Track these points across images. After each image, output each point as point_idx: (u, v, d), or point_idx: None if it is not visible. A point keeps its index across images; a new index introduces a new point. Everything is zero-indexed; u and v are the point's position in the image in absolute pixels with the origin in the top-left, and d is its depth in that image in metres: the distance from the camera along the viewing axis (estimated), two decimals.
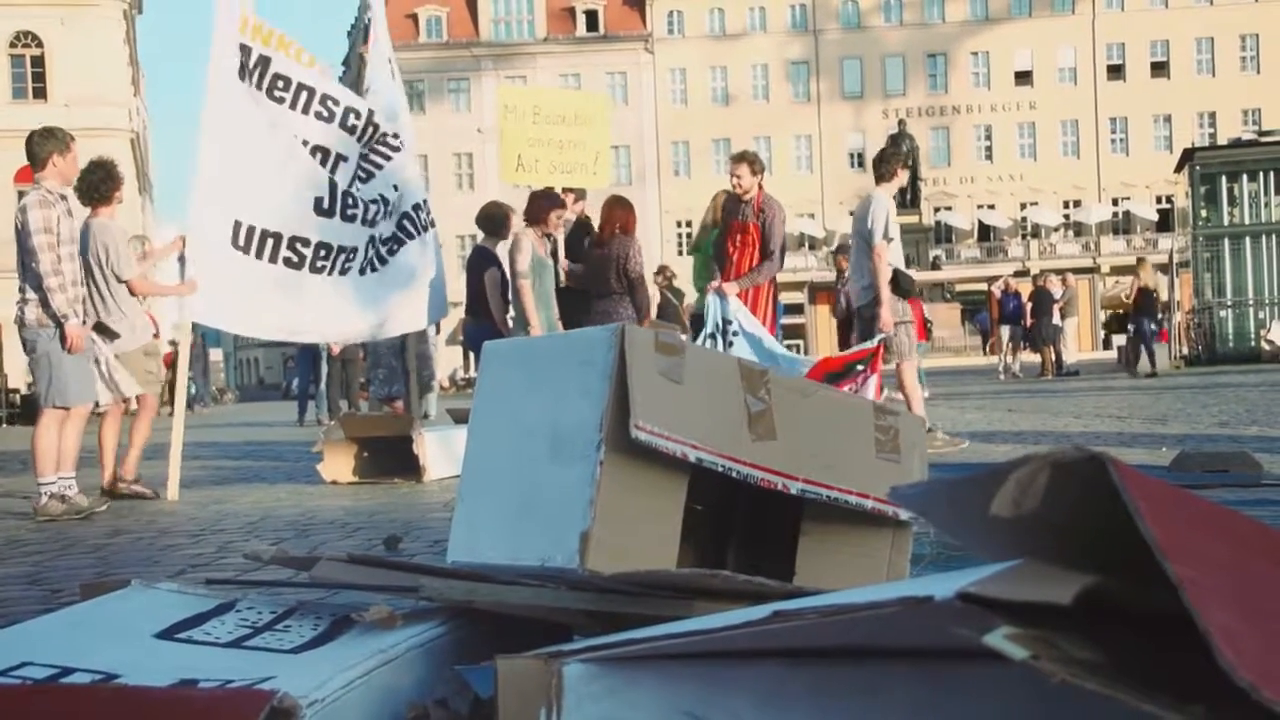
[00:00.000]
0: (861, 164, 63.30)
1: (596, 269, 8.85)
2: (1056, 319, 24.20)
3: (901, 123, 51.23)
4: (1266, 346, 25.08)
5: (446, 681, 1.67)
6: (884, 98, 64.23)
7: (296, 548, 4.59)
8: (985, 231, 63.66)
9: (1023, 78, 64.46)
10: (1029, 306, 24.34)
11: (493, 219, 9.26)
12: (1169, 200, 61.05)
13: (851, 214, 9.47)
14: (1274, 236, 26.33)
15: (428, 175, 63.62)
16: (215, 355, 78.86)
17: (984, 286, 48.08)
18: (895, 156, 9.30)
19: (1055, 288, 24.57)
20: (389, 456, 7.79)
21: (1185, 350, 26.52)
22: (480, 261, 9.20)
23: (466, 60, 63.89)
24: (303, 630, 1.89)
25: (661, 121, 63.98)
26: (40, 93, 42.16)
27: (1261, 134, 32.29)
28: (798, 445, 2.01)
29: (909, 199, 48.03)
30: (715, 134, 63.76)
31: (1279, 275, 26.19)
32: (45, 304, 6.67)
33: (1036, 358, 24.53)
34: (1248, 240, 26.43)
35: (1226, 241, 26.64)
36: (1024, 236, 62.96)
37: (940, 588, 0.97)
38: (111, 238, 7.74)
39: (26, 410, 29.42)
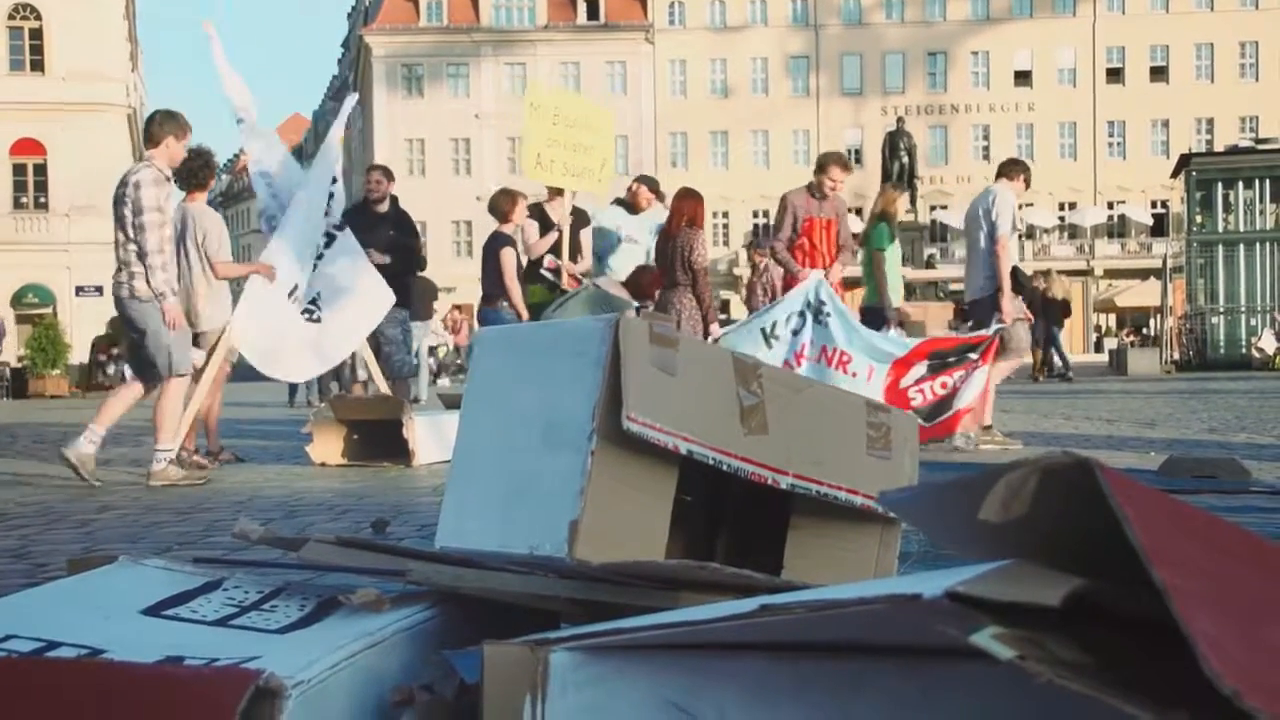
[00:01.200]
0: (859, 160, 63.35)
1: (664, 260, 9.17)
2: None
3: (900, 120, 51.19)
4: (1256, 354, 25.16)
5: (432, 666, 1.67)
6: (883, 94, 64.23)
7: (284, 529, 4.59)
8: None
9: (1022, 78, 64.50)
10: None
11: (498, 206, 9.48)
12: (1164, 205, 61.15)
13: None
14: (1268, 244, 26.39)
15: (424, 160, 63.63)
16: None
17: None
18: (1021, 164, 9.70)
19: (1057, 290, 24.36)
20: (378, 440, 7.78)
21: (1176, 355, 26.59)
22: (495, 246, 9.41)
23: (466, 45, 63.79)
24: (289, 611, 1.89)
25: (660, 112, 63.93)
26: (38, 65, 42.04)
27: (1259, 141, 32.34)
28: (789, 440, 2.02)
29: (905, 197, 48.07)
30: (714, 126, 63.75)
31: (1272, 283, 26.23)
32: (145, 279, 6.96)
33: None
34: (1241, 247, 26.48)
35: (1220, 248, 26.69)
36: (1019, 237, 62.98)
37: (928, 586, 0.97)
38: (211, 223, 8.27)
39: (17, 385, 29.42)
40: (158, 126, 7.19)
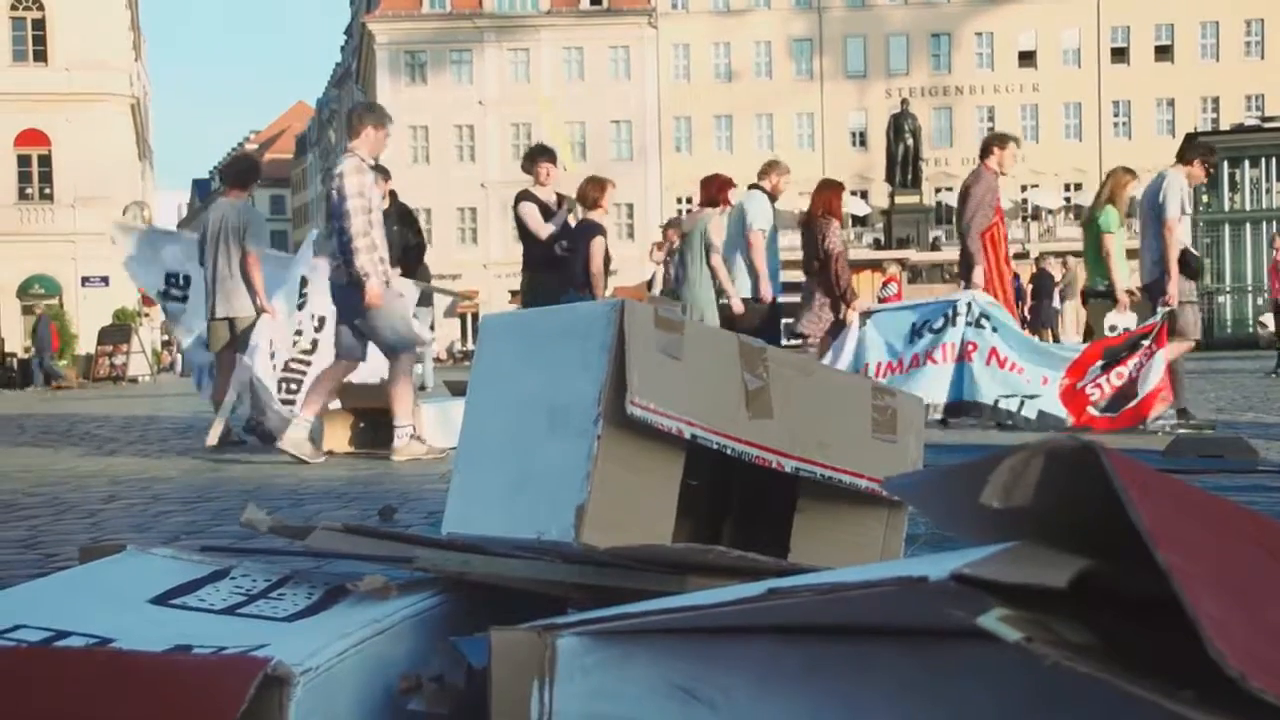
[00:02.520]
0: (863, 143, 63.30)
1: (804, 247, 9.61)
2: (1056, 302, 24.20)
3: (904, 102, 51.09)
4: (1261, 332, 25.13)
5: (440, 652, 1.67)
6: (887, 77, 64.08)
7: (291, 517, 4.60)
8: None
9: (1026, 59, 64.31)
10: (1029, 289, 24.34)
11: (587, 194, 9.68)
12: None
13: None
14: (1275, 223, 26.32)
15: (428, 147, 63.59)
16: None
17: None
18: (1201, 147, 9.74)
19: (1055, 270, 24.57)
20: (386, 428, 7.78)
21: None
22: (590, 234, 9.54)
23: (469, 31, 63.70)
24: (297, 599, 1.89)
25: (664, 97, 63.84)
26: (41, 56, 42.02)
27: (1265, 120, 32.24)
28: (794, 424, 2.01)
29: (909, 179, 47.97)
30: (717, 110, 63.64)
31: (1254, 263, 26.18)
32: (349, 263, 7.21)
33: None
34: (1248, 226, 26.43)
35: (1227, 227, 26.64)
36: (1024, 218, 62.87)
37: (935, 568, 0.97)
38: (251, 217, 8.82)
39: (23, 376, 29.46)
40: (358, 119, 7.51)
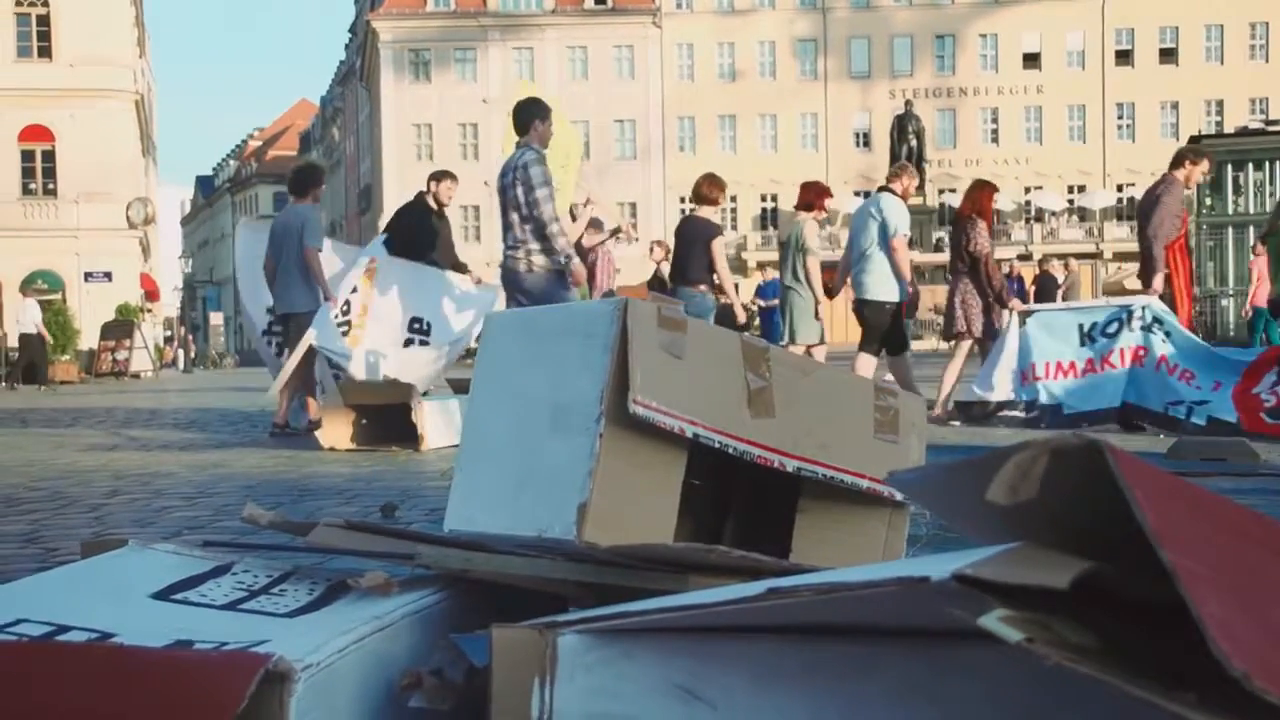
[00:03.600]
0: (867, 144, 63.23)
1: (950, 247, 9.84)
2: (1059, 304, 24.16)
3: (908, 103, 51.07)
4: None
5: (441, 649, 1.67)
6: (891, 78, 64.03)
7: (293, 513, 4.60)
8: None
9: (1031, 61, 64.26)
10: (1032, 291, 24.31)
11: (705, 193, 9.94)
12: None
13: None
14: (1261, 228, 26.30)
15: (431, 145, 63.56)
16: (216, 319, 78.99)
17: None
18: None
19: (1058, 273, 24.55)
20: (387, 424, 7.79)
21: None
22: (707, 234, 9.75)
23: (474, 30, 63.67)
24: (298, 595, 1.89)
25: (668, 96, 63.80)
26: (45, 52, 41.97)
27: (1269, 123, 32.22)
28: (796, 423, 2.01)
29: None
30: (721, 110, 63.62)
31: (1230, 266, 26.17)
32: (547, 250, 7.60)
33: None
34: (1251, 230, 26.37)
35: (1230, 230, 26.62)
36: (1028, 220, 62.83)
37: (936, 569, 0.97)
38: (309, 215, 9.31)
39: (26, 370, 29.44)
40: (525, 115, 7.89)
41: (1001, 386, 8.98)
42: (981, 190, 9.88)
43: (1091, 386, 8.70)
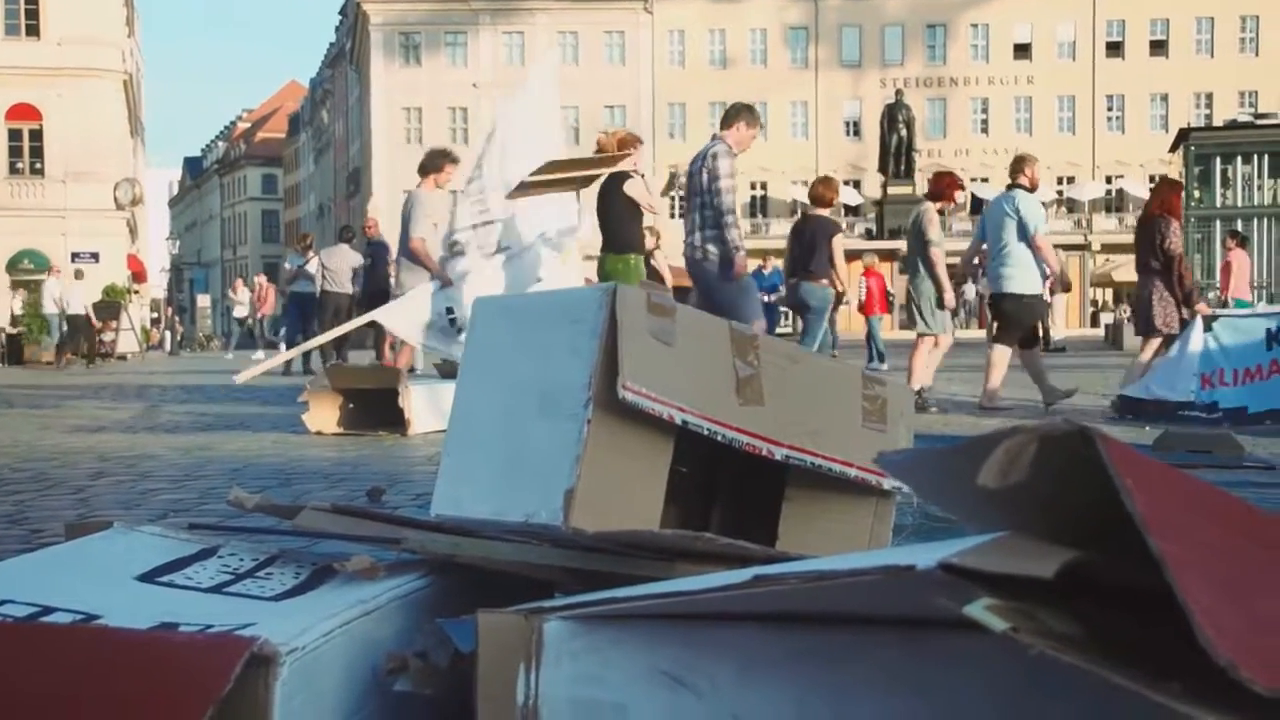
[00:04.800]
0: (857, 132, 63.27)
1: (1139, 245, 9.94)
2: (1046, 294, 24.18)
3: (899, 93, 51.17)
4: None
5: (427, 634, 1.67)
6: (882, 67, 64.03)
7: (279, 496, 4.59)
8: (978, 205, 63.60)
9: (1021, 51, 64.31)
10: None
11: (821, 194, 10.52)
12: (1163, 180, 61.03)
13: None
14: (1267, 220, 26.35)
15: (421, 129, 63.40)
16: (203, 301, 78.79)
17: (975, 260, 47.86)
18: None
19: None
20: (374, 408, 7.78)
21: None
22: (828, 231, 10.26)
23: (464, 14, 63.51)
24: (284, 578, 1.89)
25: (658, 83, 63.72)
26: (33, 30, 41.76)
27: (1258, 116, 32.25)
28: (784, 411, 2.02)
29: (902, 170, 47.96)
30: (712, 97, 63.48)
31: (1269, 259, 26.23)
32: (720, 240, 8.00)
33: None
34: (1239, 223, 26.43)
35: (1218, 224, 26.66)
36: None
37: (922, 557, 0.97)
38: (437, 206, 9.84)
39: (12, 351, 29.39)
40: (735, 113, 8.38)
41: (1181, 387, 8.96)
42: (1170, 190, 10.05)
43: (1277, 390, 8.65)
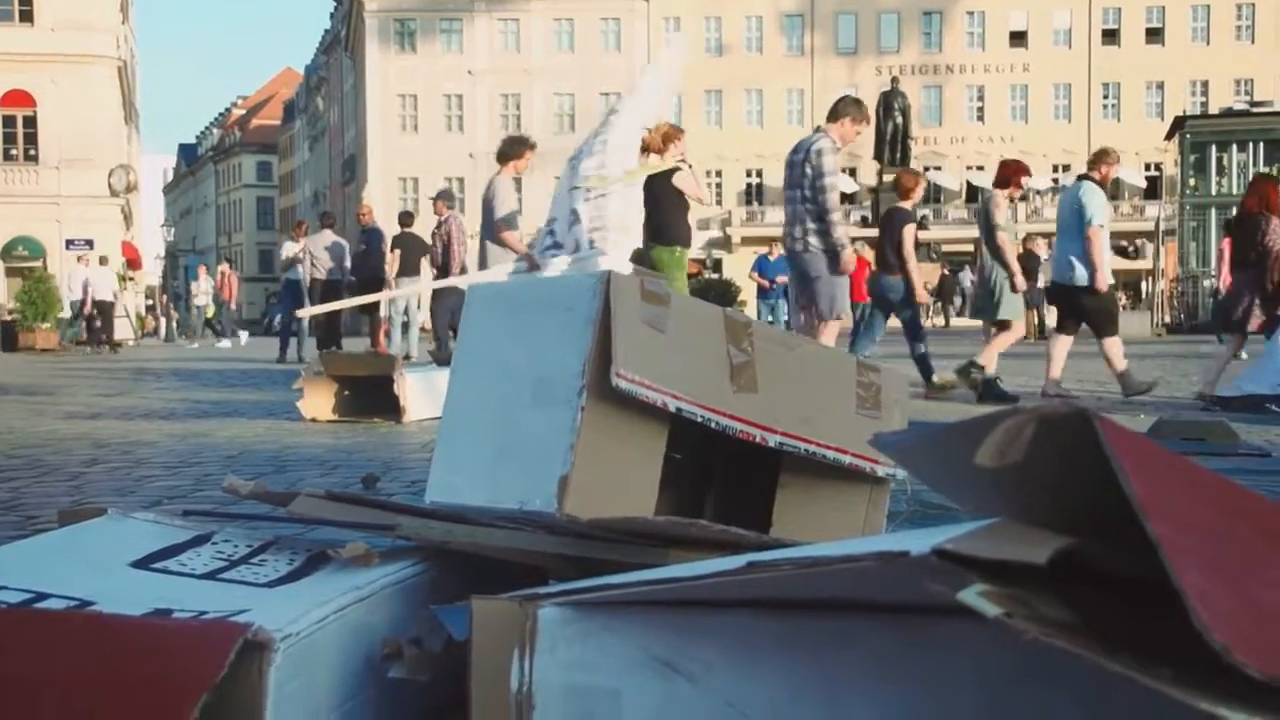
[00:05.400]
0: None
1: (1239, 240, 9.95)
2: (1040, 282, 24.18)
3: (895, 80, 51.01)
4: None
5: (421, 621, 1.67)
6: (878, 54, 63.96)
7: (274, 483, 4.59)
8: (974, 193, 63.55)
9: (1017, 39, 64.25)
10: None
11: (903, 184, 10.59)
12: (1158, 168, 61.11)
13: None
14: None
15: (416, 116, 63.30)
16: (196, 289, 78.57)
17: (970, 247, 47.97)
18: None
19: (1041, 250, 24.59)
20: (369, 396, 7.78)
21: (1167, 318, 26.63)
22: (901, 220, 10.24)
23: (459, 1, 63.33)
24: (278, 565, 1.89)
25: None
26: (26, 15, 41.66)
27: (1253, 104, 32.28)
28: (778, 398, 2.02)
29: (899, 157, 47.91)
30: (708, 84, 63.47)
31: None
32: (822, 233, 8.07)
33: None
34: (1234, 211, 26.44)
35: (1213, 211, 26.70)
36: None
37: (916, 543, 0.97)
38: (508, 194, 9.75)
39: (6, 338, 29.36)
40: (843, 106, 8.40)
41: (1268, 381, 8.95)
42: (1268, 184, 10.05)
43: None
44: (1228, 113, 31.54)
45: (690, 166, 9.21)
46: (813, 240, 8.16)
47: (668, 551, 1.78)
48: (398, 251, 16.89)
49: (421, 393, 7.67)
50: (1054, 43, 64.29)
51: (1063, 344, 9.51)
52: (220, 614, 1.56)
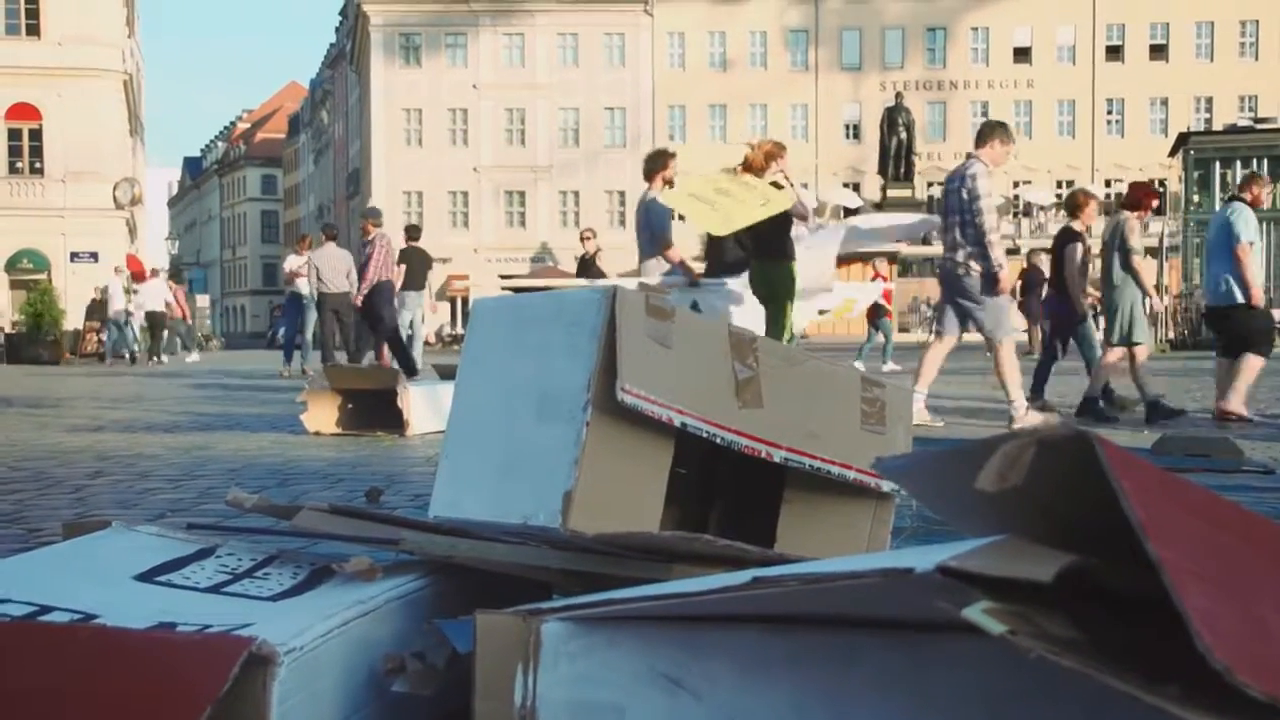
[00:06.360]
0: (857, 135, 63.28)
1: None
2: (1044, 295, 24.16)
3: (899, 96, 51.11)
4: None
5: (425, 635, 1.67)
6: (882, 70, 64.01)
7: (277, 497, 4.59)
8: None
9: (1021, 55, 64.31)
10: (1018, 284, 24.31)
11: (1075, 201, 10.61)
12: (1162, 184, 61.01)
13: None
14: (1265, 224, 26.34)
15: (421, 130, 63.40)
16: (202, 301, 78.79)
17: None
18: None
19: (1045, 266, 24.58)
20: (373, 409, 7.77)
21: (1171, 334, 26.60)
22: (1064, 241, 10.44)
23: (464, 15, 63.45)
24: (282, 578, 1.89)
25: (658, 85, 63.69)
26: (33, 30, 41.74)
27: (1257, 121, 32.28)
28: (783, 413, 2.01)
29: (902, 172, 47.98)
30: (712, 99, 63.53)
31: (1268, 263, 26.22)
32: (982, 256, 8.29)
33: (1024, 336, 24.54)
34: None
35: None
36: (1015, 214, 62.93)
37: (921, 560, 0.97)
38: (652, 207, 9.64)
39: (10, 350, 29.39)
40: (988, 130, 8.66)
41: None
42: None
43: None
44: (1231, 129, 31.54)
45: (793, 184, 9.30)
46: (973, 264, 8.36)
47: (672, 567, 1.78)
48: (403, 266, 16.90)
49: (425, 406, 7.67)
50: (1058, 59, 64.33)
51: (1228, 366, 9.44)
52: (224, 628, 1.56)
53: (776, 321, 8.81)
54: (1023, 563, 0.93)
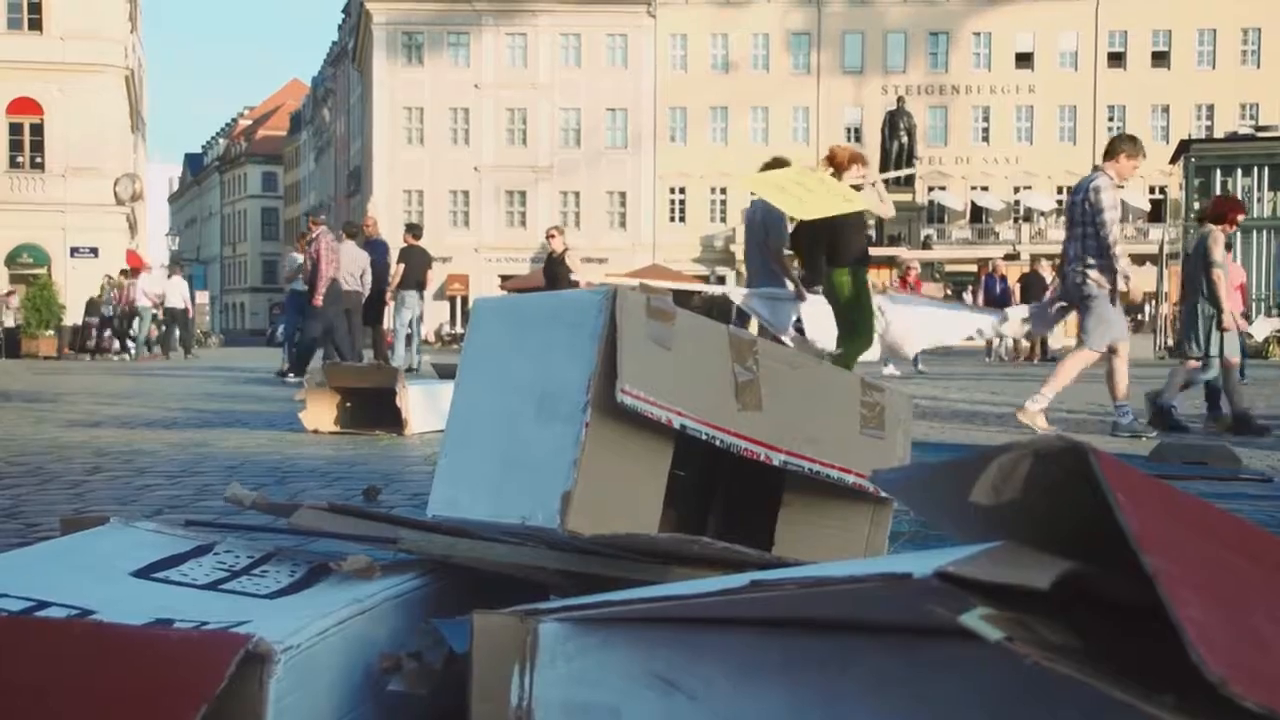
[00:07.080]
0: (858, 138, 63.24)
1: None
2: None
3: (900, 99, 51.19)
4: (1247, 340, 25.18)
5: (421, 634, 1.68)
6: (884, 73, 64.03)
7: (276, 494, 4.59)
8: (978, 213, 63.63)
9: (1023, 60, 64.33)
10: (1018, 290, 24.35)
11: (1217, 209, 10.47)
12: (1162, 191, 61.07)
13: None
14: (1265, 232, 26.37)
15: (422, 129, 63.40)
16: (201, 298, 78.76)
17: (974, 268, 48.00)
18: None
19: (1046, 272, 24.64)
20: (372, 408, 7.77)
21: (1171, 342, 26.60)
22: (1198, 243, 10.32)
23: (467, 14, 63.45)
24: (280, 576, 1.89)
25: (660, 86, 63.69)
26: (35, 24, 41.74)
27: (1259, 128, 32.29)
28: (783, 417, 2.02)
29: (903, 177, 48.01)
30: (714, 101, 63.54)
31: (1268, 271, 26.25)
32: (1106, 268, 8.39)
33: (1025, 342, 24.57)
34: (1238, 235, 26.45)
35: None
36: (1016, 220, 62.96)
37: (919, 565, 0.97)
38: (770, 211, 9.83)
39: (9, 345, 29.40)
40: (1117, 144, 8.71)
41: None
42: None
43: None
44: (1233, 137, 31.54)
45: (874, 185, 9.38)
46: (1093, 274, 8.43)
47: (670, 568, 1.78)
48: (402, 265, 16.88)
49: (424, 405, 7.67)
50: (1060, 65, 64.35)
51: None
52: (221, 625, 1.56)
53: (855, 331, 8.86)
54: (1020, 569, 0.93)
